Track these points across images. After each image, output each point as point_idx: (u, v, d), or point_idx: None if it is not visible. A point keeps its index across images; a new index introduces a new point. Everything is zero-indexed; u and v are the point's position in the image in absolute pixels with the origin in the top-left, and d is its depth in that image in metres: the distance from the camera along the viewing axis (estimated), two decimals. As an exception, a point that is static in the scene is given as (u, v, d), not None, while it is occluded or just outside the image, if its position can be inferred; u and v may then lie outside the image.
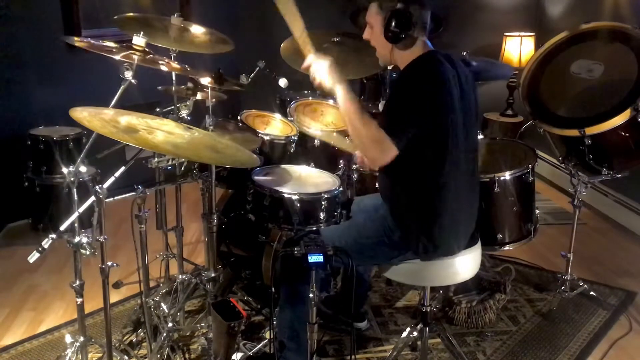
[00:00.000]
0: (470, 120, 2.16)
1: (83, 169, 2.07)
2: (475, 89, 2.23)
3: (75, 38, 2.25)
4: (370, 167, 2.28)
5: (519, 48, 4.88)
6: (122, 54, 2.10)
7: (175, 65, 2.41)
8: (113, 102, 2.06)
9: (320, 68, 2.14)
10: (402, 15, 2.05)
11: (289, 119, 3.09)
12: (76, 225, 2.04)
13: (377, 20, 2.12)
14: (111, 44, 2.23)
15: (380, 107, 3.04)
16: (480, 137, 2.84)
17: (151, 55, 2.18)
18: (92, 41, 2.30)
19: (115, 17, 2.68)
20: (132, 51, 2.13)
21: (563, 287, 3.04)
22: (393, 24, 2.05)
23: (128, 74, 1.98)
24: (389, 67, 3.22)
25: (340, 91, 2.08)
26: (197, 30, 2.80)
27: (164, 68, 2.28)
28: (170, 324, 2.50)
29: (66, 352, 2.26)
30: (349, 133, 2.12)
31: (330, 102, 3.27)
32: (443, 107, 2.03)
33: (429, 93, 2.01)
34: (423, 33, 2.11)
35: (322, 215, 2.26)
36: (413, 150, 2.04)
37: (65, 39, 2.24)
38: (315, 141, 2.97)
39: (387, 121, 2.03)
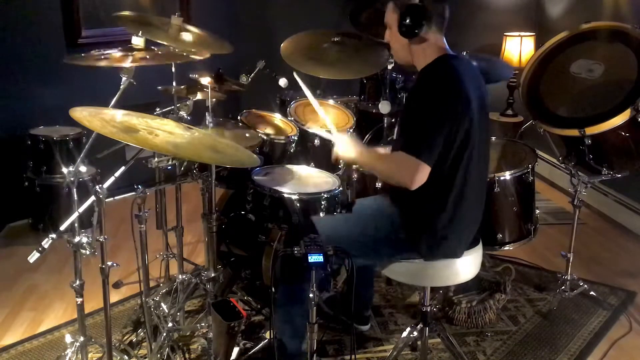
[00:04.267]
0: (485, 123, 2.16)
1: (83, 169, 2.08)
2: (487, 92, 2.22)
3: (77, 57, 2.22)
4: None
5: (519, 48, 4.88)
6: (121, 63, 2.08)
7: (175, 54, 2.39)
8: (113, 102, 2.06)
9: (341, 146, 2.22)
10: (417, 8, 2.04)
11: (289, 119, 3.09)
12: (76, 225, 2.04)
13: (393, 18, 2.10)
14: (111, 53, 2.21)
15: (381, 107, 3.04)
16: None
17: (150, 55, 2.18)
18: (93, 53, 2.29)
19: (114, 14, 2.68)
20: (130, 53, 2.12)
21: (563, 287, 3.04)
22: (408, 19, 2.04)
23: (125, 77, 1.98)
24: (389, 67, 3.22)
25: (360, 157, 2.19)
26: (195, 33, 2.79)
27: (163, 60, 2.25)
28: (170, 324, 2.50)
29: (66, 352, 2.26)
30: (380, 178, 2.17)
31: (330, 102, 3.28)
32: (459, 113, 2.01)
33: (445, 102, 2.00)
34: (439, 29, 2.09)
35: (321, 215, 2.26)
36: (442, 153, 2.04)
37: (67, 59, 2.24)
38: (315, 141, 2.97)
39: (411, 139, 2.03)
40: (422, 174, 1.98)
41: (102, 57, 2.15)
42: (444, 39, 2.13)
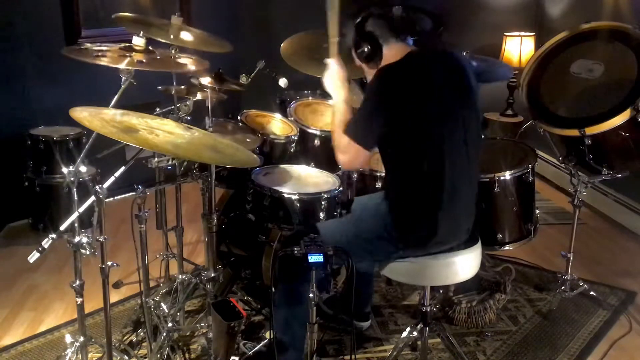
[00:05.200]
0: (469, 117, 2.16)
1: (83, 169, 2.08)
2: (473, 80, 2.22)
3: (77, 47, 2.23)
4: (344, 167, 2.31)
5: (519, 48, 4.88)
6: (121, 63, 2.08)
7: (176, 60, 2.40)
8: (113, 102, 2.06)
9: (331, 72, 2.25)
10: (364, 34, 2.11)
11: (289, 119, 3.09)
12: (76, 225, 2.04)
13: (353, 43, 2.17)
14: (110, 49, 2.22)
15: None
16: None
17: (152, 55, 2.18)
18: (91, 46, 2.29)
19: (114, 16, 2.68)
20: (132, 52, 2.12)
21: (563, 287, 3.04)
22: (360, 47, 2.12)
23: (125, 75, 1.98)
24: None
25: (338, 97, 2.22)
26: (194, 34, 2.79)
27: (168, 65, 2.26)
28: (170, 324, 2.50)
29: (66, 352, 2.26)
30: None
31: (330, 102, 3.27)
32: (424, 103, 2.05)
33: (395, 94, 2.04)
34: (395, 36, 2.13)
35: (321, 215, 2.26)
36: (400, 144, 2.08)
37: (65, 50, 2.24)
38: (315, 141, 2.98)
39: (354, 126, 2.10)
40: (359, 159, 2.10)
41: (100, 53, 2.15)
42: (409, 40, 2.15)
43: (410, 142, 2.08)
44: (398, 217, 2.16)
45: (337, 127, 2.15)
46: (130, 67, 2.04)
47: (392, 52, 2.12)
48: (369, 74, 2.19)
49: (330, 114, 3.15)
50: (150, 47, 2.22)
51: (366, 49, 2.11)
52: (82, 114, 1.88)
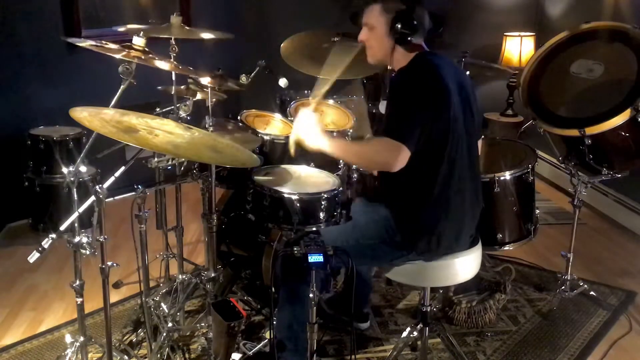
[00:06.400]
0: (470, 117, 2.17)
1: (83, 169, 2.08)
2: (474, 89, 2.24)
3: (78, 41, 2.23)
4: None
5: (519, 48, 4.88)
6: (122, 54, 2.09)
7: (175, 64, 2.40)
8: (113, 102, 2.06)
9: (310, 121, 2.22)
10: (409, 16, 2.09)
11: (289, 119, 3.09)
12: (76, 225, 2.04)
13: (380, 21, 2.14)
14: (112, 46, 2.23)
15: (381, 107, 3.04)
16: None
17: (151, 55, 2.18)
18: (93, 42, 2.30)
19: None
20: (131, 51, 2.12)
21: (563, 287, 3.04)
22: (399, 25, 2.08)
23: (125, 74, 1.98)
24: (389, 67, 3.22)
25: (327, 141, 2.17)
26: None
27: (163, 66, 2.26)
28: (170, 324, 2.50)
29: (66, 352, 2.26)
30: (356, 164, 2.16)
31: (330, 102, 3.27)
32: (442, 104, 2.05)
33: (429, 92, 2.04)
34: (423, 34, 2.14)
35: (321, 215, 2.25)
36: (416, 150, 2.05)
37: (67, 39, 2.24)
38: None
39: (393, 125, 2.06)
40: (403, 156, 2.01)
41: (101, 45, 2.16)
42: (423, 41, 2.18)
43: (431, 148, 2.07)
44: (401, 224, 2.16)
45: (361, 145, 2.16)
46: (127, 59, 2.03)
47: (415, 44, 2.14)
48: (379, 51, 2.19)
49: (330, 113, 3.17)
50: (148, 49, 2.21)
51: (410, 33, 2.09)
52: (82, 114, 1.88)
